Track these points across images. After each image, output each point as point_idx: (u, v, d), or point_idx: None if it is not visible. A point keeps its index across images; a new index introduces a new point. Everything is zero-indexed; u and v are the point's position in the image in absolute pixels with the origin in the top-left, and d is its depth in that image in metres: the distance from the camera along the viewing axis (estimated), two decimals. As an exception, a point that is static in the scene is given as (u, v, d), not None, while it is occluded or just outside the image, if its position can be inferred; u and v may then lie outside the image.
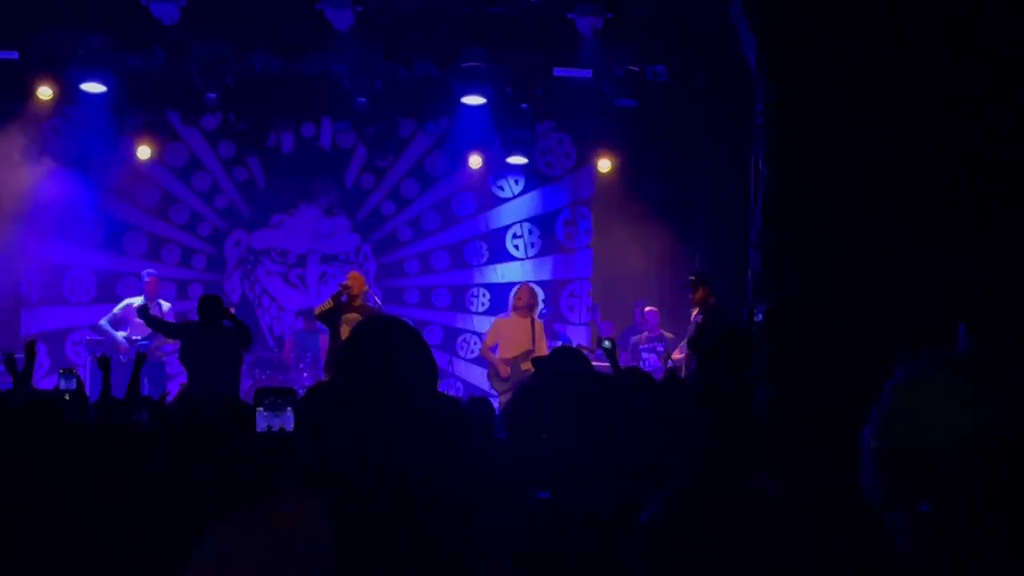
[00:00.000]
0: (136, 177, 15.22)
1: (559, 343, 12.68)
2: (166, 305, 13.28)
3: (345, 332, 10.80)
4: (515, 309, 12.00)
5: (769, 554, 1.61)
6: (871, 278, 7.41)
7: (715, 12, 11.54)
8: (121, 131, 14.61)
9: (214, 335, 10.31)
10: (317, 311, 11.74)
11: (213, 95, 13.62)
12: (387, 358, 2.37)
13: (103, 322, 13.26)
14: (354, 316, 11.03)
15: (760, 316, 9.90)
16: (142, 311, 11.45)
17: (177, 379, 13.14)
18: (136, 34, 12.92)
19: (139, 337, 12.76)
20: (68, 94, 13.66)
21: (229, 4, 12.77)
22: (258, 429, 2.58)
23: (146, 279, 13.32)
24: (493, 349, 11.98)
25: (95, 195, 15.12)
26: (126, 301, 13.32)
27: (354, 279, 11.63)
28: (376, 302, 12.31)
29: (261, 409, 2.61)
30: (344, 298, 11.33)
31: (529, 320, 11.88)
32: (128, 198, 15.24)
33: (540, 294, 13.22)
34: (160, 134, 14.93)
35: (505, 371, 11.67)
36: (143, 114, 14.47)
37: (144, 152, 14.83)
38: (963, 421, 1.35)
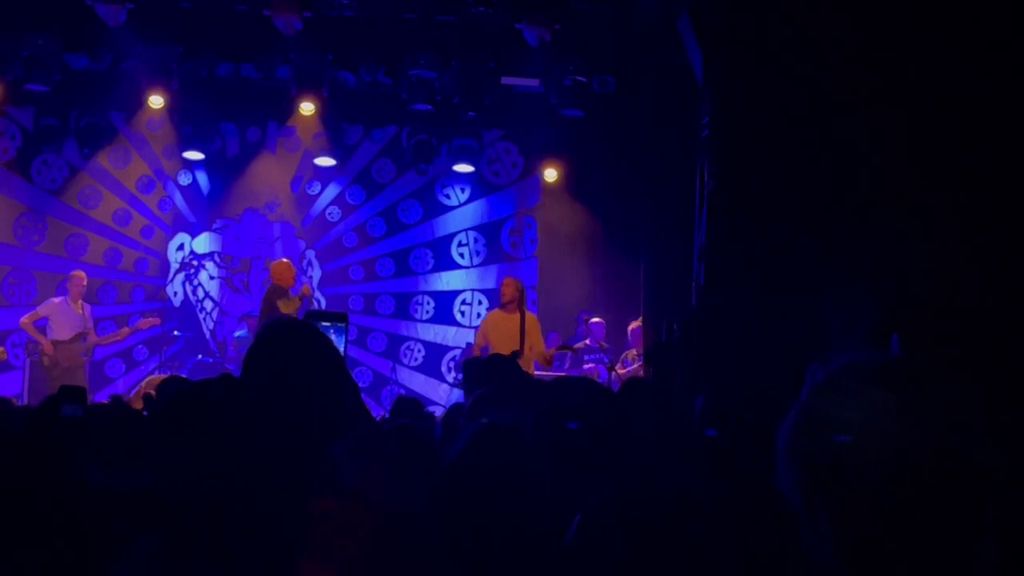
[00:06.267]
0: (80, 179, 15.07)
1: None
2: (87, 307, 13.20)
3: (286, 309, 10.95)
4: (502, 305, 11.21)
5: (696, 557, 1.62)
6: (814, 288, 7.46)
7: (663, 25, 11.61)
8: (65, 133, 14.45)
9: None
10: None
11: (158, 98, 13.53)
12: (286, 362, 2.34)
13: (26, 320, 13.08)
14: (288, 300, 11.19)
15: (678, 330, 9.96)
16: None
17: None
18: (81, 35, 12.80)
19: (65, 339, 12.67)
20: (11, 94, 13.51)
21: (175, 7, 12.67)
22: None
23: (73, 278, 13.20)
24: (484, 350, 10.65)
25: (38, 196, 14.96)
26: (50, 301, 13.23)
27: (281, 266, 11.80)
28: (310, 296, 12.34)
29: None
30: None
31: (518, 315, 11.03)
32: (71, 200, 15.08)
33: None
34: (104, 136, 14.76)
35: None
36: (87, 116, 14.32)
37: (88, 154, 14.66)
38: (876, 427, 1.36)
